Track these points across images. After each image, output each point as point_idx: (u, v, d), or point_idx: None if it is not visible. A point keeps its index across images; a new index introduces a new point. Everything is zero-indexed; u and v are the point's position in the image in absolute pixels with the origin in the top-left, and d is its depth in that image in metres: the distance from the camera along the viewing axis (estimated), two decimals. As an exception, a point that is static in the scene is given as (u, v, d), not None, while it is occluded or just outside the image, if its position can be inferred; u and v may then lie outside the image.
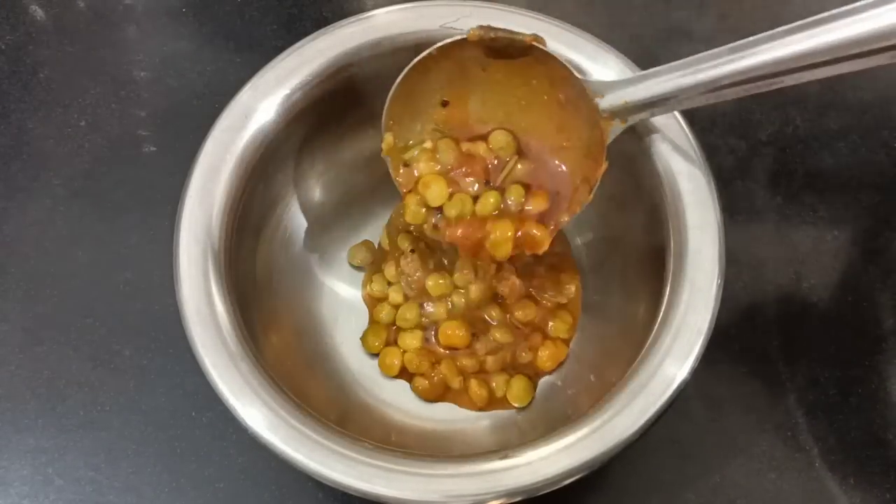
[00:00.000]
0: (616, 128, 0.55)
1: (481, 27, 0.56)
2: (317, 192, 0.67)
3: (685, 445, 0.65)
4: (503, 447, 0.51)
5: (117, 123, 0.76)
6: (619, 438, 0.49)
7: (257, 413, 0.50)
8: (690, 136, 0.56)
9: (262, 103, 0.58)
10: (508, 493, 0.49)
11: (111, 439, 0.65)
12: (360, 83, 0.60)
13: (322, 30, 0.60)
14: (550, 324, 0.65)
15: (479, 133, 0.60)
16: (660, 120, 0.57)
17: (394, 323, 0.67)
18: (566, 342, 0.65)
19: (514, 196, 0.59)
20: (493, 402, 0.64)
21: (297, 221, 0.66)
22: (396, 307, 0.67)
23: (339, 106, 0.62)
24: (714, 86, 0.49)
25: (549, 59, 0.56)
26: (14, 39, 0.80)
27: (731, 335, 0.67)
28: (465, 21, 0.59)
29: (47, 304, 0.69)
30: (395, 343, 0.66)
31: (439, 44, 0.56)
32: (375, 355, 0.66)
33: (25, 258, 0.71)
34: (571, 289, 0.66)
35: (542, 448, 0.50)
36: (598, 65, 0.59)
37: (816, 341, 0.68)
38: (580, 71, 0.57)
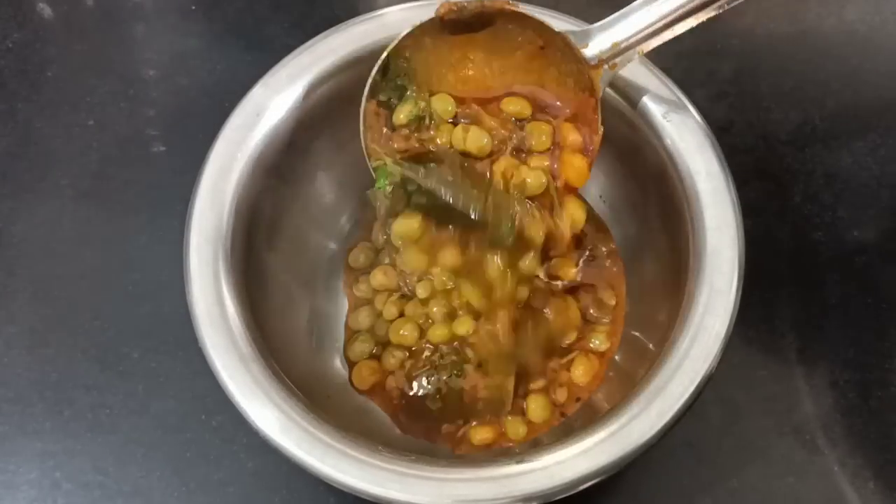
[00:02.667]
0: (605, 75, 0.55)
1: (448, 2, 0.54)
2: (330, 192, 0.67)
3: (703, 449, 0.64)
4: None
5: (126, 122, 0.75)
6: (637, 442, 0.49)
7: (269, 415, 0.50)
8: (709, 135, 0.56)
9: (273, 101, 0.58)
10: (524, 498, 0.48)
11: (119, 443, 0.64)
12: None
13: (334, 27, 0.60)
14: (593, 339, 0.64)
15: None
16: (678, 119, 0.56)
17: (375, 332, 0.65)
18: (603, 354, 0.64)
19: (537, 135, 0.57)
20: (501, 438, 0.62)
21: (309, 221, 0.65)
22: (378, 314, 0.65)
23: (351, 104, 0.61)
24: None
25: (524, 22, 0.55)
26: (21, 37, 0.79)
27: (749, 338, 0.66)
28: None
29: (55, 305, 0.69)
30: (378, 357, 0.64)
31: (407, 30, 0.55)
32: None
33: (33, 259, 0.70)
34: (612, 302, 0.64)
35: (558, 452, 0.49)
36: (616, 62, 0.58)
37: (835, 344, 0.68)
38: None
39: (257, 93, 0.58)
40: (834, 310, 0.68)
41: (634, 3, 0.53)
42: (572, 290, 0.64)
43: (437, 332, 0.61)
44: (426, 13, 0.59)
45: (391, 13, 0.60)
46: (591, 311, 0.64)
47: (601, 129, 0.56)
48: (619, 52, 0.54)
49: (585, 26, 0.55)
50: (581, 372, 0.62)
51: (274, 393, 0.50)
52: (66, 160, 0.74)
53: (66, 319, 0.68)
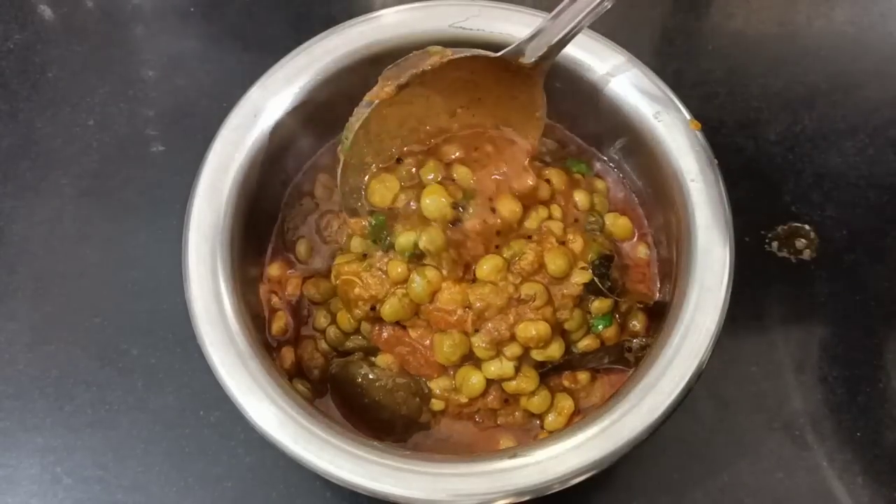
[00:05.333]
0: (544, 68, 0.57)
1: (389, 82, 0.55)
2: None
3: (693, 445, 0.65)
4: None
5: (125, 122, 0.76)
6: (628, 438, 0.50)
7: (266, 411, 0.50)
8: (699, 135, 0.57)
9: (271, 102, 0.58)
10: (517, 493, 0.49)
11: (119, 438, 0.65)
12: (368, 83, 0.60)
13: (331, 29, 0.60)
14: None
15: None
16: (669, 120, 0.57)
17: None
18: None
19: None
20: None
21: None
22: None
23: (348, 105, 0.62)
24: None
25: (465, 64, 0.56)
26: (22, 39, 0.79)
27: (739, 335, 0.67)
28: (474, 21, 0.59)
29: (55, 303, 0.69)
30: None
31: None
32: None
33: (34, 257, 0.71)
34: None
35: (551, 447, 0.50)
36: (607, 64, 0.59)
37: (825, 340, 0.68)
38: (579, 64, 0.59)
39: (255, 94, 0.58)
40: (823, 307, 0.69)
41: (555, 13, 0.55)
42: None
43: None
44: (420, 15, 0.60)
45: (387, 15, 0.60)
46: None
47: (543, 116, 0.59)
48: (552, 52, 0.56)
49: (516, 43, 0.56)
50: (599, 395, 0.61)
51: (271, 389, 0.51)
52: (66, 159, 0.74)
53: (67, 317, 0.69)
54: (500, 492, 0.49)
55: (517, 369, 0.57)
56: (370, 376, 0.58)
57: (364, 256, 0.58)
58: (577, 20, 0.55)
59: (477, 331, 0.55)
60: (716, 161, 0.56)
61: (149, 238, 0.71)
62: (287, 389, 0.52)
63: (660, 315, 0.58)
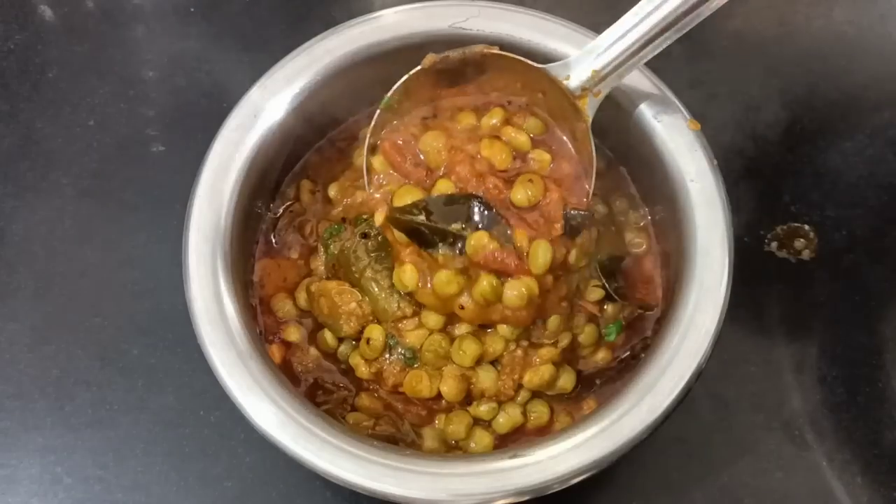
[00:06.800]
0: (592, 103, 0.56)
1: (432, 54, 0.56)
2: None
3: (693, 444, 0.65)
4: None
5: (125, 123, 0.76)
6: (628, 437, 0.50)
7: (266, 411, 0.51)
8: (699, 135, 0.57)
9: (271, 102, 0.58)
10: (517, 492, 0.49)
11: (119, 438, 0.65)
12: (368, 83, 0.60)
13: (330, 29, 0.60)
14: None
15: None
16: (669, 120, 0.57)
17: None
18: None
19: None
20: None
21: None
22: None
23: (347, 105, 0.62)
24: (665, 24, 0.52)
25: (507, 65, 0.57)
26: (23, 39, 0.79)
27: (739, 335, 0.67)
28: (474, 21, 0.59)
29: (56, 303, 0.69)
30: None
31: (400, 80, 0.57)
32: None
33: (34, 257, 0.71)
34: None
35: (550, 447, 0.50)
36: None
37: (824, 340, 0.68)
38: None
39: (255, 94, 0.58)
40: (822, 307, 0.69)
41: (606, 33, 0.54)
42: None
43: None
44: (420, 15, 0.60)
45: (386, 15, 0.60)
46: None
47: (594, 155, 0.56)
48: (600, 79, 0.55)
49: (565, 59, 0.56)
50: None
51: (271, 389, 0.51)
52: (66, 160, 0.74)
53: (67, 317, 0.69)
54: (500, 492, 0.49)
55: (524, 414, 0.58)
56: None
57: (333, 266, 0.59)
58: (635, 38, 0.53)
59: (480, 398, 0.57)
60: (716, 161, 0.56)
61: (149, 238, 0.71)
62: (287, 389, 0.52)
63: (660, 316, 0.58)
